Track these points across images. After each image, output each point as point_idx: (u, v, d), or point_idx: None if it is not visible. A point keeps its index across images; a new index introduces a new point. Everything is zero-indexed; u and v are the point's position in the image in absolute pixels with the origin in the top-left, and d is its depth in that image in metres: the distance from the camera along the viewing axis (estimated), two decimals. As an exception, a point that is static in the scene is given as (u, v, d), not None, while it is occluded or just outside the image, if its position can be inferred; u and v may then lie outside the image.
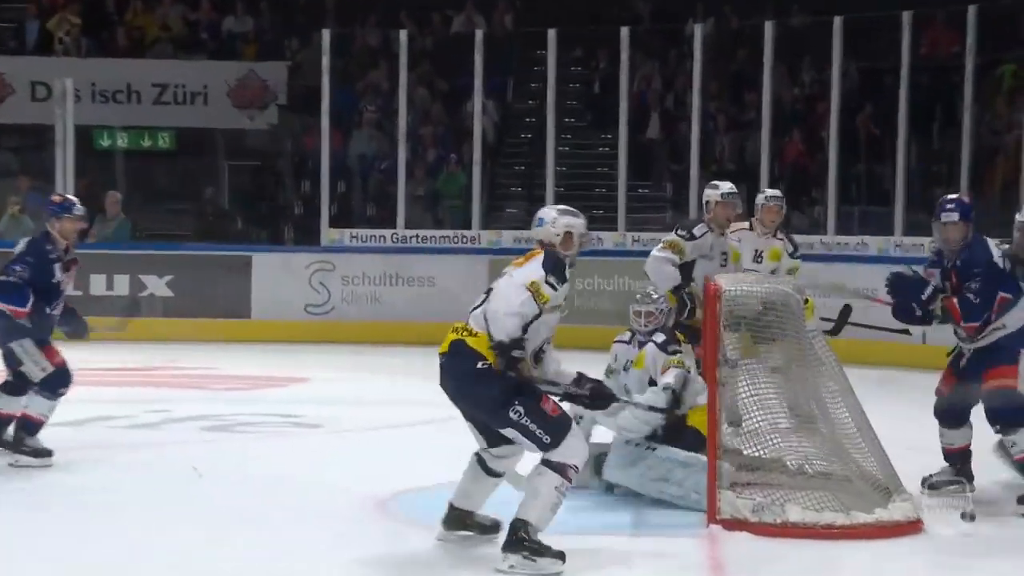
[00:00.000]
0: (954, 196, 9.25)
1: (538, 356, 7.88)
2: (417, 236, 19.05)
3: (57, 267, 10.47)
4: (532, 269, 7.75)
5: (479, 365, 7.78)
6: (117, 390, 13.68)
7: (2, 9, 25.36)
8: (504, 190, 20.95)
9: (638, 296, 9.96)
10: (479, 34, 19.43)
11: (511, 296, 7.63)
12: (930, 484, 9.16)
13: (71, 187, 19.61)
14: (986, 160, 17.84)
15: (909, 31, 17.24)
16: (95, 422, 12.33)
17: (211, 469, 10.45)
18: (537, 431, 7.61)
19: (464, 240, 18.73)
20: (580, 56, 21.75)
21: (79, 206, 10.61)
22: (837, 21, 17.58)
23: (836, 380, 8.87)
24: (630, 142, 18.94)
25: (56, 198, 11.04)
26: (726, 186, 11.05)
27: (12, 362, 10.34)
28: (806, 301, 9.59)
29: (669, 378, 9.39)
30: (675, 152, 19.89)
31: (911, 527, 8.34)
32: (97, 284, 18.54)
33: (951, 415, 9.38)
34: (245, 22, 24.37)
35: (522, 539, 7.51)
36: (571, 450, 7.64)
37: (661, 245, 11.06)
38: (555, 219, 7.97)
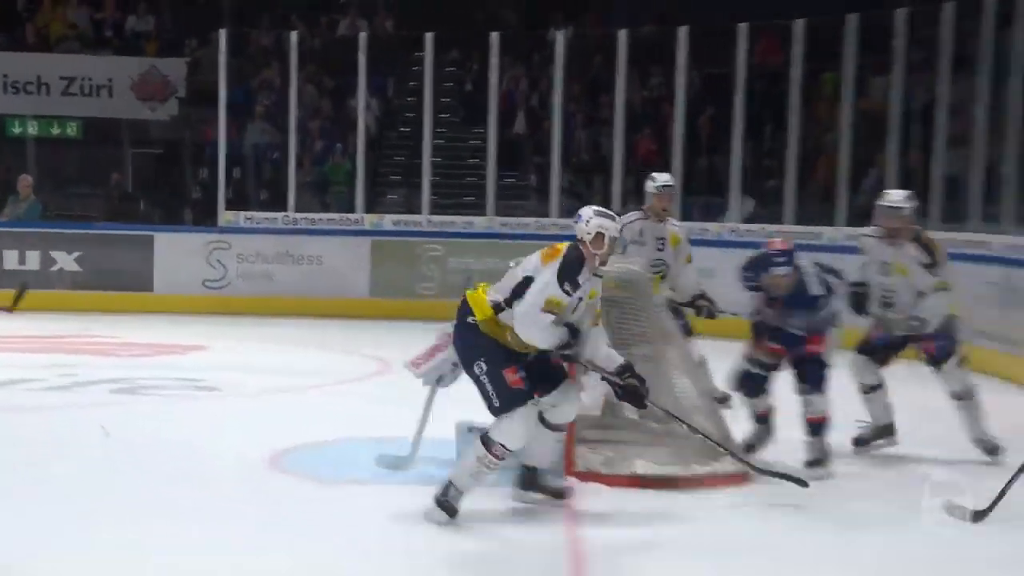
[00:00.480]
0: (780, 248, 9.12)
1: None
2: (306, 218, 18.99)
3: None
4: (549, 278, 7.60)
5: (468, 319, 7.82)
6: (32, 356, 13.60)
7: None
8: (385, 178, 20.94)
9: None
10: (363, 37, 19.40)
11: (536, 317, 7.52)
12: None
13: (-4, 175, 19.66)
14: (810, 157, 18.04)
15: (745, 42, 17.48)
16: (11, 384, 12.22)
17: (119, 428, 10.43)
18: (490, 392, 7.61)
19: (349, 223, 18.71)
20: (455, 58, 21.74)
21: None
22: (682, 32, 17.75)
23: (679, 351, 9.06)
24: (499, 137, 19.00)
25: None
26: (662, 178, 11.01)
27: None
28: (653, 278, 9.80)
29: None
30: (539, 146, 19.96)
31: (740, 478, 8.48)
32: (10, 259, 18.47)
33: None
34: (147, 21, 24.21)
35: (441, 495, 7.62)
36: (507, 432, 7.58)
37: None
38: (590, 218, 7.80)
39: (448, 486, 7.66)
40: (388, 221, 18.83)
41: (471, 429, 8.63)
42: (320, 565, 6.98)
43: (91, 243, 18.80)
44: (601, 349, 7.79)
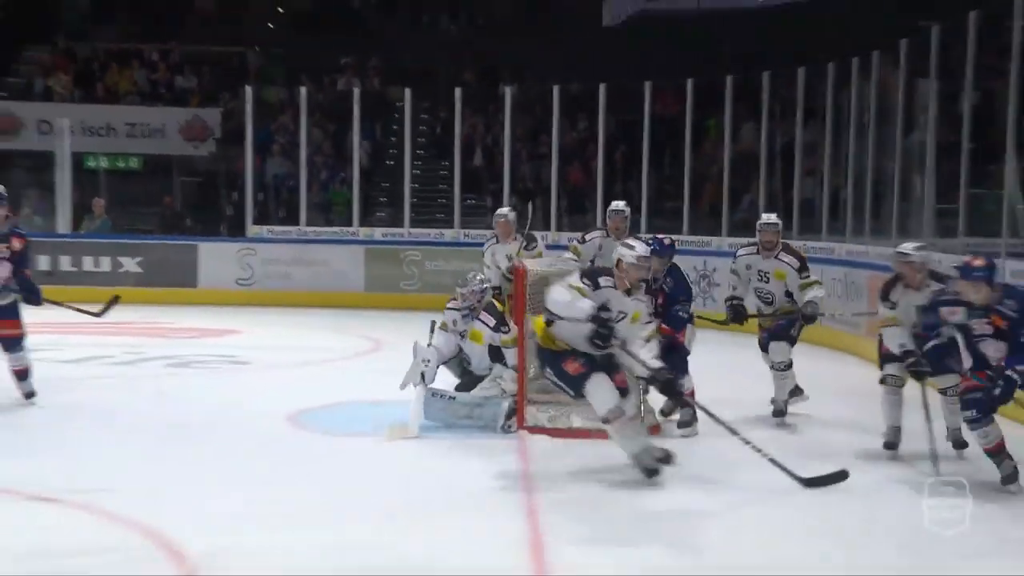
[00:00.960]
0: (659, 238, 9.12)
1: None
2: (314, 231, 18.96)
3: None
4: (575, 278, 7.42)
5: (535, 343, 7.78)
6: (105, 338, 13.55)
7: (17, 69, 24.94)
8: (375, 200, 20.94)
9: (459, 281, 9.57)
10: (356, 92, 19.41)
11: (565, 295, 7.20)
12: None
13: (68, 198, 19.52)
14: (700, 184, 18.16)
15: (649, 96, 17.56)
16: (90, 359, 12.30)
17: (173, 393, 10.61)
18: (565, 387, 7.47)
19: (347, 234, 18.68)
20: (427, 108, 21.81)
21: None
22: (602, 88, 17.83)
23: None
24: (462, 168, 19.02)
25: None
26: (616, 205, 10.73)
27: None
28: None
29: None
30: (493, 175, 20.05)
31: (654, 430, 8.58)
32: (88, 264, 18.42)
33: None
34: (191, 80, 24.22)
35: (639, 468, 7.39)
36: (598, 402, 7.37)
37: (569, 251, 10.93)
38: (617, 247, 7.57)
39: (634, 460, 7.44)
40: (378, 233, 18.78)
41: (434, 394, 8.95)
42: (323, 500, 7.03)
43: (149, 250, 18.76)
44: (645, 355, 7.39)
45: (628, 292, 7.42)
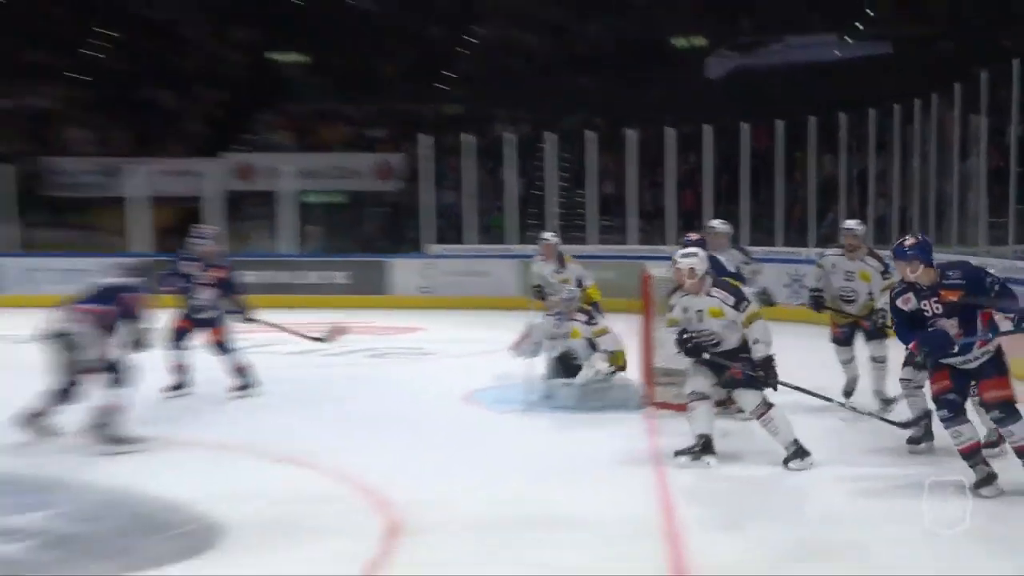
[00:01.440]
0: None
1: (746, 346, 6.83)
2: (478, 248, 19.08)
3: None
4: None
5: None
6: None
7: (251, 127, 25.49)
8: (526, 223, 20.74)
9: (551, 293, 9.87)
10: (510, 137, 19.56)
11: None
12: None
13: (289, 226, 19.83)
14: (790, 204, 17.88)
15: (747, 134, 17.43)
16: (309, 352, 12.03)
17: (372, 377, 10.73)
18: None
19: (506, 251, 18.76)
20: (567, 147, 21.46)
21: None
22: (707, 128, 17.67)
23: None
24: (598, 196, 19.07)
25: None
26: (712, 223, 9.78)
27: None
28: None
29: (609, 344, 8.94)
30: (620, 200, 19.89)
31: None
32: (312, 277, 18.85)
33: None
34: (381, 131, 24.61)
35: (791, 452, 6.72)
36: (745, 402, 6.94)
37: None
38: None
39: (788, 449, 6.77)
40: (529, 249, 18.76)
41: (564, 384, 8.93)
42: (487, 461, 7.10)
43: (351, 266, 19.03)
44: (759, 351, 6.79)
45: (697, 293, 6.95)
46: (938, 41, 22.49)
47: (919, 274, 6.04)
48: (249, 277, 18.34)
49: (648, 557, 5.22)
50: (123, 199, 20.19)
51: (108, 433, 7.30)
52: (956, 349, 5.97)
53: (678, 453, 6.98)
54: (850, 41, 23.70)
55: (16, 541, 5.42)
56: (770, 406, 6.86)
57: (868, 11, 24.76)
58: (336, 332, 10.13)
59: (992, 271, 6.18)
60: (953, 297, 5.94)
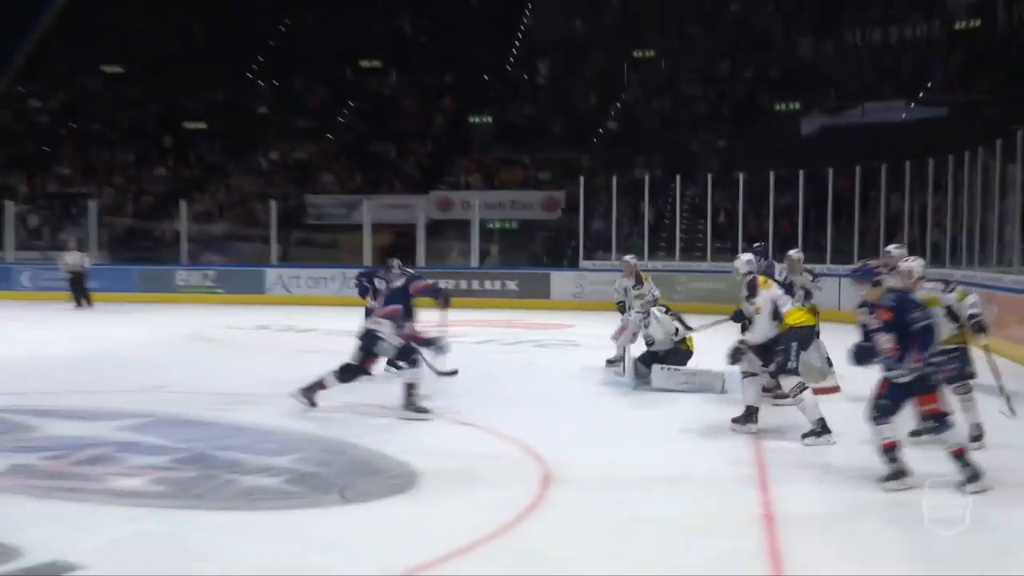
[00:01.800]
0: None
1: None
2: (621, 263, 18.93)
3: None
4: None
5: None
6: (493, 330, 13.70)
7: (449, 170, 25.91)
8: (657, 245, 20.38)
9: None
10: (646, 177, 19.44)
11: None
12: None
13: (476, 247, 19.90)
14: (864, 233, 17.20)
15: (831, 177, 16.91)
16: (486, 342, 12.44)
17: (534, 362, 10.79)
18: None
19: (643, 266, 18.47)
20: (690, 186, 21.29)
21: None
22: (801, 173, 17.18)
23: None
24: (712, 224, 18.69)
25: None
26: (791, 252, 9.31)
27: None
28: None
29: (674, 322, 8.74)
30: (731, 228, 19.53)
31: (834, 389, 8.21)
32: (487, 284, 18.92)
33: None
34: (547, 174, 24.67)
35: (812, 429, 6.46)
36: (786, 385, 6.64)
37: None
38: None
39: (814, 425, 6.46)
40: (660, 264, 18.53)
41: (662, 368, 8.65)
42: (616, 431, 7.02)
43: (522, 277, 19.20)
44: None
45: (747, 297, 6.80)
46: (985, 106, 21.45)
47: (867, 293, 5.60)
48: (446, 283, 19.19)
49: (744, 505, 5.07)
50: (358, 226, 20.84)
51: (411, 403, 7.21)
52: (879, 360, 5.45)
53: (734, 420, 6.86)
54: (914, 106, 22.79)
55: (271, 476, 5.65)
56: (804, 388, 6.59)
57: (928, 83, 23.81)
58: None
59: (931, 311, 5.53)
60: (885, 316, 5.46)
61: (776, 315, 6.77)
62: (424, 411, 7.27)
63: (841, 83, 24.79)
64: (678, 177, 19.37)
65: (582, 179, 20.10)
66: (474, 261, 20.04)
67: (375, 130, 27.75)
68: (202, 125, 28.74)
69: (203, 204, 25.02)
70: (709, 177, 18.99)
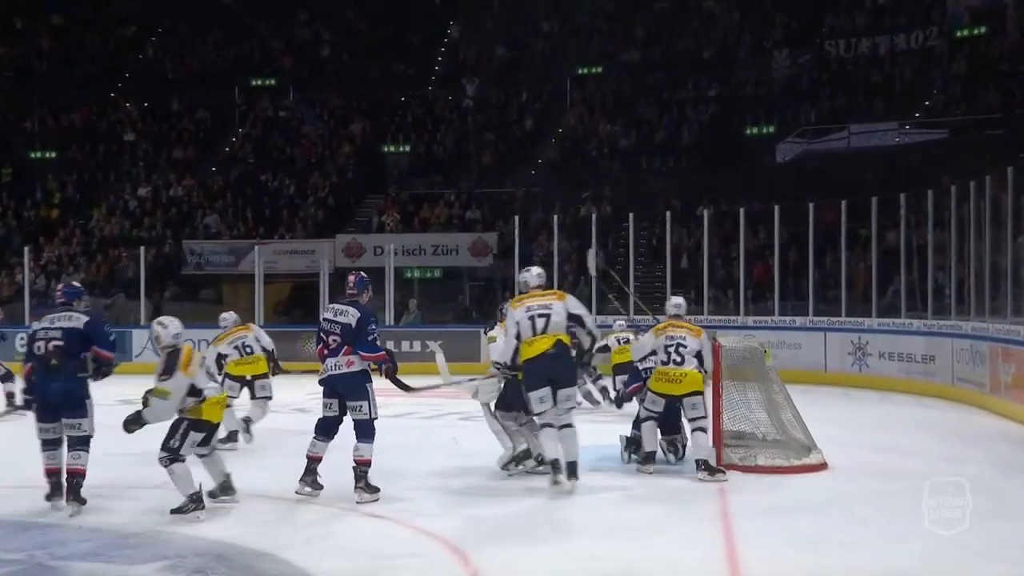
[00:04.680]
0: None
1: None
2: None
3: None
4: None
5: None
6: (416, 401, 13.65)
7: (360, 211, 25.95)
8: (605, 295, 20.64)
9: None
10: (593, 216, 19.60)
11: None
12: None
13: (391, 300, 19.89)
14: (852, 277, 17.50)
15: (812, 212, 17.12)
16: (409, 415, 12.22)
17: (461, 438, 10.45)
18: None
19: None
20: (646, 225, 21.38)
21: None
22: (776, 209, 17.48)
23: (781, 391, 8.82)
24: (672, 270, 18.87)
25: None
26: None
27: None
28: (765, 351, 9.23)
29: None
30: (695, 274, 19.70)
31: (821, 467, 8.28)
32: (406, 346, 18.74)
33: None
34: (476, 212, 24.67)
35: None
36: None
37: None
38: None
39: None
40: (611, 320, 18.49)
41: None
42: (566, 521, 6.87)
43: (448, 336, 18.88)
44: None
45: None
46: (990, 127, 22.06)
47: None
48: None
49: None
50: (248, 276, 20.53)
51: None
52: None
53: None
54: (909, 128, 23.35)
55: None
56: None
57: (926, 101, 24.40)
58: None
59: None
60: None
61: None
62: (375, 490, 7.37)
63: (823, 102, 25.35)
64: (631, 215, 19.51)
65: (517, 219, 20.16)
66: (389, 318, 19.87)
67: (268, 161, 27.59)
68: (51, 154, 28.31)
69: (53, 251, 24.50)
70: (668, 214, 19.15)
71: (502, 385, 8.25)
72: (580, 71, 29.10)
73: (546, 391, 7.47)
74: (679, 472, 8.42)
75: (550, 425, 7.52)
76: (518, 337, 7.57)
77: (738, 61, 27.37)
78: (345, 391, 7.37)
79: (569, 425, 7.55)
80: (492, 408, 8.43)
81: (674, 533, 6.54)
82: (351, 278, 7.65)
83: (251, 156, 28.03)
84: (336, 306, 7.54)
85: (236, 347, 10.45)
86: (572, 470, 7.50)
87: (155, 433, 7.12)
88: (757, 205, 19.51)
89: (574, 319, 7.61)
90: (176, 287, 23.56)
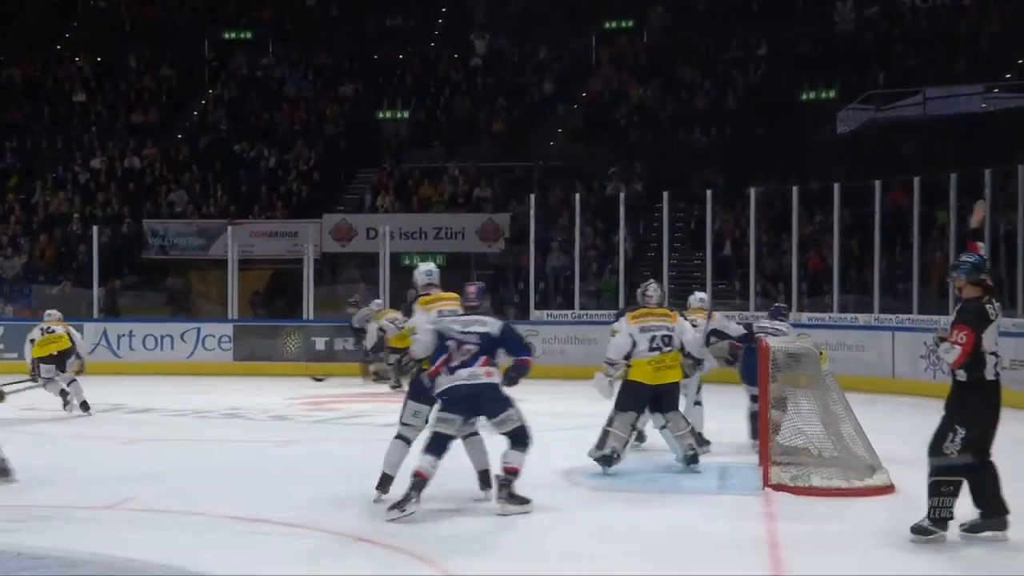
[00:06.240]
0: None
1: None
2: (587, 314, 18.96)
3: None
4: None
5: None
6: None
7: (351, 187, 25.95)
8: (637, 286, 20.72)
9: None
10: (622, 195, 19.53)
11: None
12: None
13: (388, 290, 19.87)
14: (926, 268, 17.44)
15: (879, 192, 17.06)
16: None
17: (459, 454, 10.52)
18: None
19: (614, 317, 18.55)
20: (682, 207, 21.55)
21: None
22: (836, 187, 17.51)
23: (839, 399, 8.80)
24: (713, 258, 18.86)
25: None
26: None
27: None
28: (821, 353, 9.38)
29: None
30: (741, 263, 19.69)
31: (887, 489, 8.24)
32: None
33: None
34: (486, 191, 24.67)
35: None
36: None
37: None
38: None
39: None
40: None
41: None
42: (599, 550, 6.94)
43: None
44: None
45: None
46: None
47: None
48: (343, 343, 18.99)
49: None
50: (221, 261, 20.59)
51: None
52: None
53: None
54: (997, 91, 23.15)
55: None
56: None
57: (1019, 60, 24.19)
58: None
59: None
60: None
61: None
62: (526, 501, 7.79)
63: (893, 62, 25.19)
64: (665, 194, 19.49)
65: (533, 197, 20.14)
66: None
67: (244, 128, 27.61)
68: (-12, 118, 28.33)
69: (-9, 231, 24.57)
70: (709, 193, 19.12)
71: (613, 382, 9.29)
72: (607, 25, 29.07)
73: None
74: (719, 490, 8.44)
75: None
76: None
77: (793, 13, 27.22)
78: (489, 402, 7.77)
79: None
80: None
81: (712, 564, 6.51)
82: (471, 288, 8.12)
83: (223, 122, 28.08)
84: (461, 319, 7.91)
85: (41, 328, 13.75)
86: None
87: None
88: (813, 183, 19.45)
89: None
90: (134, 274, 23.62)
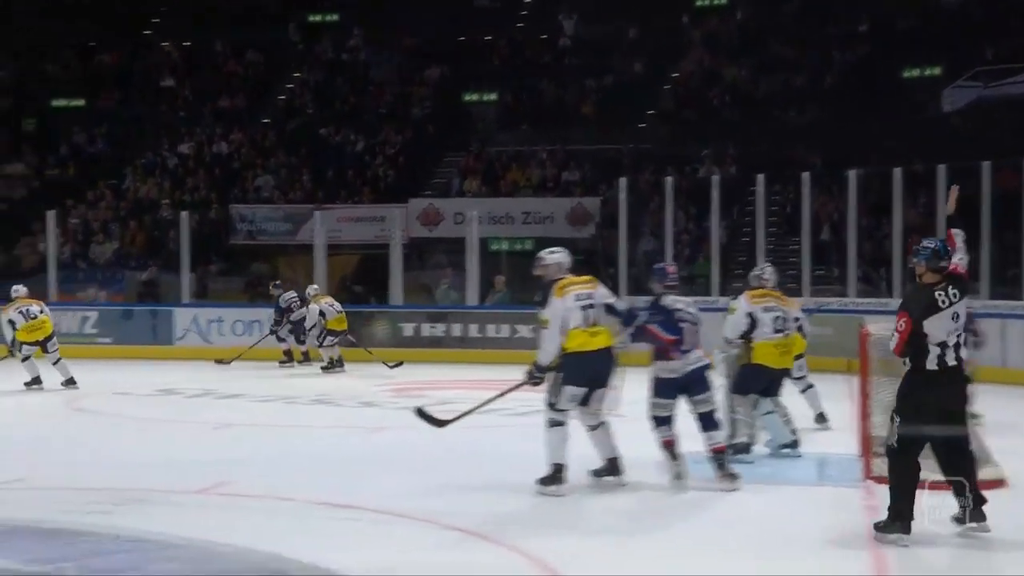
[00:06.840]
0: None
1: None
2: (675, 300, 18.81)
3: None
4: None
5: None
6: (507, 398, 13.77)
7: (438, 172, 26.05)
8: (732, 272, 20.23)
9: None
10: (715, 179, 19.40)
11: None
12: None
13: (476, 276, 19.76)
14: None
15: (988, 174, 16.81)
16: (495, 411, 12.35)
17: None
18: None
19: (709, 303, 18.41)
20: (778, 190, 21.33)
21: None
22: (940, 169, 17.19)
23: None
24: (812, 242, 18.75)
25: None
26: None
27: None
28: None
29: None
30: (839, 248, 19.45)
31: (998, 484, 8.00)
32: (491, 331, 18.88)
33: None
34: (575, 174, 24.64)
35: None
36: None
37: None
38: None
39: None
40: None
41: None
42: (695, 539, 7.02)
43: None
44: None
45: None
46: None
47: None
48: (432, 328, 19.11)
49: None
50: (307, 246, 20.78)
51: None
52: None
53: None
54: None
55: None
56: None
57: None
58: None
59: None
60: None
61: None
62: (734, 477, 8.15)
63: (1002, 37, 24.71)
64: (760, 177, 19.31)
65: (624, 181, 20.06)
66: (472, 297, 19.94)
67: (330, 112, 27.88)
68: (79, 102, 28.84)
69: (80, 216, 25.09)
70: (806, 176, 18.90)
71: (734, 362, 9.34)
72: (700, 3, 28.87)
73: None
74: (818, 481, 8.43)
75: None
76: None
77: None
78: (702, 383, 8.12)
79: None
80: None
81: (809, 560, 6.44)
82: (671, 269, 8.72)
83: (310, 106, 28.39)
84: (678, 299, 8.47)
85: (21, 312, 14.39)
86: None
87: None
88: (918, 165, 19.12)
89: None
90: (222, 260, 23.98)
